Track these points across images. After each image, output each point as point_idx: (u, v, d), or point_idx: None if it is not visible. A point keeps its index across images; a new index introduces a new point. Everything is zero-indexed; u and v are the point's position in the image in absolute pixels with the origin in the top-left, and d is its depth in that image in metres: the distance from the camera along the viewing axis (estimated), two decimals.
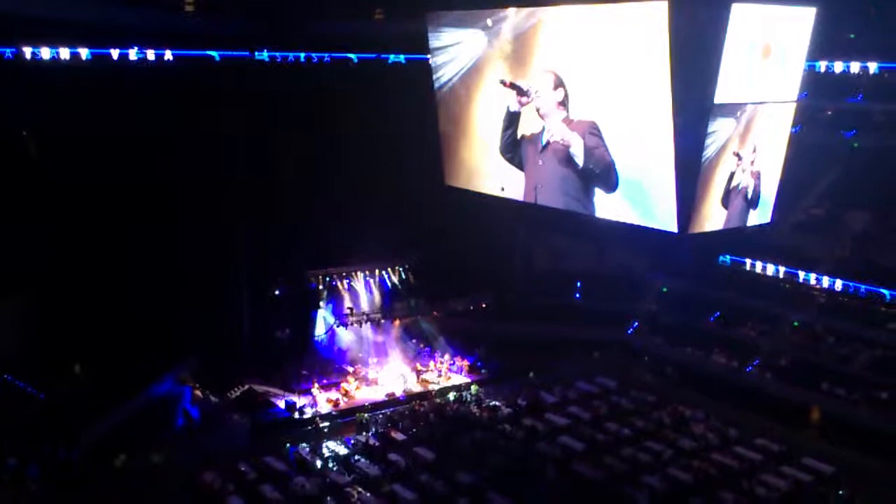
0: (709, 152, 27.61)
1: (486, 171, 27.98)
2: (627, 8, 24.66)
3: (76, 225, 41.29)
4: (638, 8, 24.95)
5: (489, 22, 25.05)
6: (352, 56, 48.41)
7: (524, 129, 24.96)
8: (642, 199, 24.04)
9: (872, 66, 45.93)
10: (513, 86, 24.69)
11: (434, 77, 29.54)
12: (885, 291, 42.13)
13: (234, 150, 45.20)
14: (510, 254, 53.32)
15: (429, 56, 44.41)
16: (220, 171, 44.61)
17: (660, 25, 24.43)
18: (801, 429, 40.33)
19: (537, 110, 25.18)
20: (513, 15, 23.51)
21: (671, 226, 25.02)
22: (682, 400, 42.96)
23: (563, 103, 23.87)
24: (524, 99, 24.88)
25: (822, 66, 46.18)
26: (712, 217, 30.58)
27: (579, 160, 23.75)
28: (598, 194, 23.89)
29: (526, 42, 24.34)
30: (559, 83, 23.95)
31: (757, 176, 32.64)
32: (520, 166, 25.77)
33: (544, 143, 24.74)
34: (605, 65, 23.78)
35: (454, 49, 26.74)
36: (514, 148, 25.36)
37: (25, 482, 32.55)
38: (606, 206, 24.16)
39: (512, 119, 25.26)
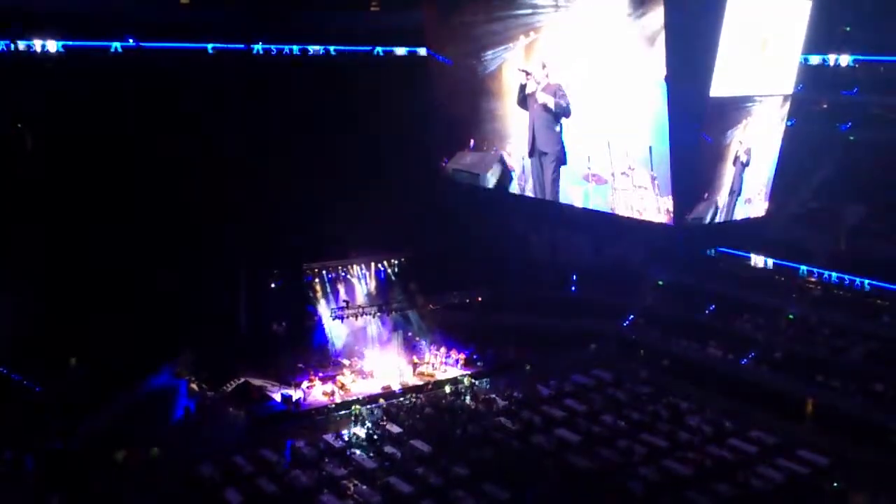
0: (719, 148, 36.72)
1: (511, 122, 43.34)
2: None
3: (73, 218, 41.26)
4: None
5: (511, 45, 41.38)
6: (347, 48, 48.42)
7: (528, 90, 41.07)
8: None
9: (868, 59, 45.87)
10: (524, 71, 40.84)
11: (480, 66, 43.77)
12: (880, 284, 42.21)
13: (230, 144, 45.12)
14: (506, 246, 53.33)
15: (426, 49, 45.13)
16: (216, 165, 44.54)
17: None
18: (797, 421, 40.42)
19: (536, 81, 40.64)
20: (522, 36, 40.51)
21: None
22: (677, 392, 43.07)
23: (548, 76, 39.90)
24: (529, 76, 40.74)
25: (816, 59, 46.18)
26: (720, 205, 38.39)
27: (552, 107, 40.21)
28: (563, 120, 40.09)
29: (531, 46, 40.33)
30: (545, 67, 40.01)
31: (741, 167, 37.69)
32: (525, 108, 41.45)
33: (536, 98, 41.02)
34: (576, 51, 38.42)
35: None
36: (523, 100, 41.46)
37: (21, 474, 32.57)
38: (569, 127, 40.11)
39: (521, 87, 41.22)
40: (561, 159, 40.85)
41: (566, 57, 38.97)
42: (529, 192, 43.59)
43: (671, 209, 36.63)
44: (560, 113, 39.89)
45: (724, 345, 45.41)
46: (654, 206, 37.23)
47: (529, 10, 39.56)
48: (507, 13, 40.67)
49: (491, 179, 45.49)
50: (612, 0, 35.58)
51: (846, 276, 43.40)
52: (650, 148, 36.23)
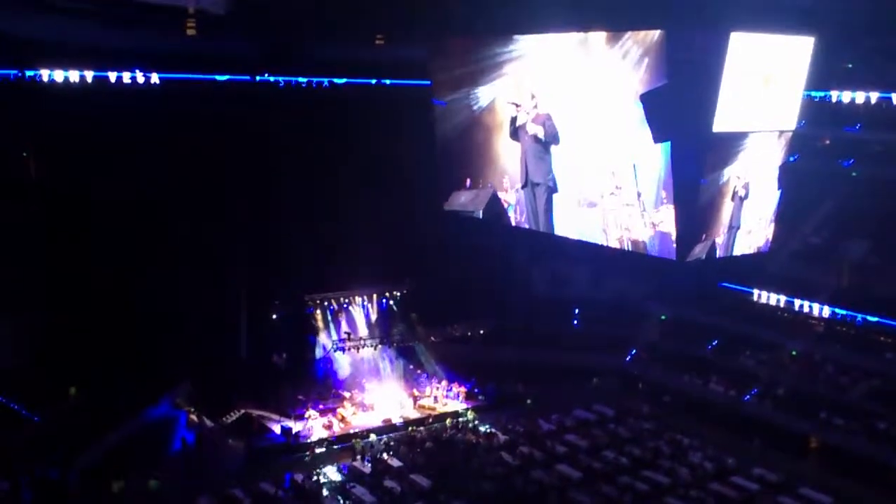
0: (718, 184, 36.94)
1: (506, 155, 43.39)
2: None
3: (74, 246, 41.31)
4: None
5: (500, 78, 41.79)
6: (352, 81, 48.68)
7: (519, 122, 41.14)
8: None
9: (871, 96, 46.06)
10: (514, 103, 41.09)
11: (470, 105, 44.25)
12: (883, 320, 42.07)
13: (233, 175, 45.27)
14: (508, 280, 53.28)
15: (429, 82, 45.37)
16: (219, 195, 44.67)
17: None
18: (799, 458, 40.12)
19: (525, 112, 40.87)
20: (511, 71, 40.81)
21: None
22: (679, 428, 42.79)
23: (536, 106, 40.19)
24: (518, 108, 41.02)
25: (819, 95, 46.37)
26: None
27: (542, 136, 40.29)
28: (552, 147, 40.34)
29: (520, 79, 40.66)
30: (534, 97, 40.22)
31: (740, 201, 37.90)
32: (517, 140, 41.53)
33: (527, 129, 41.22)
34: (564, 81, 38.76)
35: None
36: (515, 133, 41.46)
37: None
38: (557, 154, 40.34)
39: (513, 119, 41.31)
40: (552, 188, 41.38)
41: (553, 86, 39.52)
42: (525, 225, 43.56)
43: (655, 222, 36.72)
44: (549, 142, 40.63)
45: (727, 381, 45.21)
46: (641, 223, 37.32)
47: (514, 44, 40.27)
48: (493, 48, 41.39)
49: (486, 215, 45.35)
50: (592, 35, 36.53)
51: (849, 313, 43.31)
52: (634, 166, 36.59)
